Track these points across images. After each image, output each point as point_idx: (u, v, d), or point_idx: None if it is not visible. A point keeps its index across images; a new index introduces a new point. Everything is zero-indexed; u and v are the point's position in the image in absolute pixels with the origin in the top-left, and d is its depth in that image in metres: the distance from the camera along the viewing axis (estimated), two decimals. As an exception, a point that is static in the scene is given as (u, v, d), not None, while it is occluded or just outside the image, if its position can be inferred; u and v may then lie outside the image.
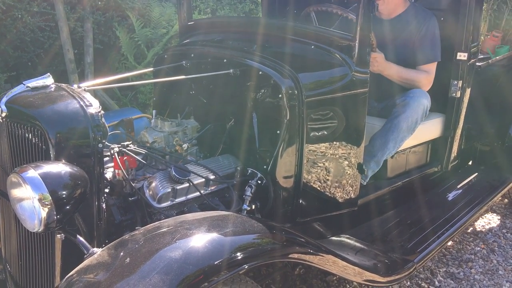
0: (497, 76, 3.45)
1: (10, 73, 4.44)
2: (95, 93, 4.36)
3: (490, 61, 3.35)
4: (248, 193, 2.08)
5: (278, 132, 2.06)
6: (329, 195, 2.30)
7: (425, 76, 2.74)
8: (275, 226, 1.79)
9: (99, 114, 1.72)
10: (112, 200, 1.96)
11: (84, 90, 1.86)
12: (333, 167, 2.25)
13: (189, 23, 2.89)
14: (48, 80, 1.82)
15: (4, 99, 1.76)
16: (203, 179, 2.04)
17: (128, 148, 2.00)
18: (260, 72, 2.10)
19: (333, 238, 2.36)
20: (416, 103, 2.58)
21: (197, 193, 2.01)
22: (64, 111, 1.69)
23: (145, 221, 1.91)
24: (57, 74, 4.64)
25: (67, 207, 1.50)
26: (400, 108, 2.59)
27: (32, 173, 1.46)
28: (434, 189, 3.08)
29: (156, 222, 1.57)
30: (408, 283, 2.77)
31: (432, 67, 2.76)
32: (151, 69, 2.68)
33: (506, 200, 3.83)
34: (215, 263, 1.34)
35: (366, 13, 2.10)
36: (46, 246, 1.76)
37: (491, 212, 3.70)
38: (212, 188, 2.09)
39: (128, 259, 1.35)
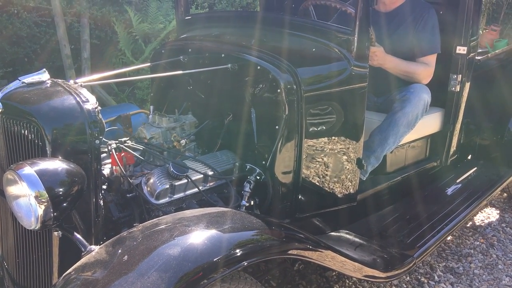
0: (496, 70, 3.44)
1: (6, 69, 4.41)
2: (92, 89, 4.33)
3: (489, 55, 3.33)
4: (247, 189, 2.06)
5: (276, 127, 2.04)
6: (328, 190, 2.29)
7: (425, 69, 2.72)
8: (274, 222, 1.78)
9: (96, 110, 1.70)
10: (110, 196, 1.94)
11: (81, 85, 1.84)
12: (332, 163, 2.24)
13: (186, 18, 2.86)
14: (44, 76, 1.80)
15: (0, 95, 1.74)
16: (202, 175, 2.03)
17: (126, 144, 1.99)
18: (259, 67, 2.08)
19: (332, 233, 2.35)
20: (417, 98, 2.57)
21: (196, 189, 2.00)
22: (60, 107, 1.67)
23: (143, 218, 1.90)
24: (53, 69, 4.61)
25: (64, 204, 1.49)
26: (401, 103, 2.57)
27: (28, 170, 1.45)
28: (433, 183, 3.07)
29: (155, 219, 1.56)
30: (408, 278, 2.76)
31: (432, 59, 2.74)
32: (149, 64, 2.65)
33: (505, 194, 3.82)
34: (214, 260, 1.33)
35: (365, 6, 2.08)
36: (43, 243, 1.74)
37: (490, 207, 3.70)
38: (211, 184, 2.07)
39: (126, 256, 1.34)
